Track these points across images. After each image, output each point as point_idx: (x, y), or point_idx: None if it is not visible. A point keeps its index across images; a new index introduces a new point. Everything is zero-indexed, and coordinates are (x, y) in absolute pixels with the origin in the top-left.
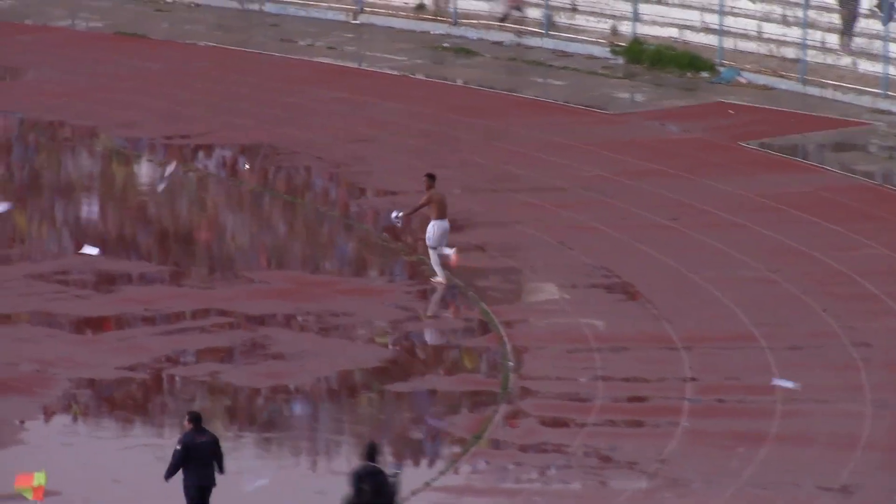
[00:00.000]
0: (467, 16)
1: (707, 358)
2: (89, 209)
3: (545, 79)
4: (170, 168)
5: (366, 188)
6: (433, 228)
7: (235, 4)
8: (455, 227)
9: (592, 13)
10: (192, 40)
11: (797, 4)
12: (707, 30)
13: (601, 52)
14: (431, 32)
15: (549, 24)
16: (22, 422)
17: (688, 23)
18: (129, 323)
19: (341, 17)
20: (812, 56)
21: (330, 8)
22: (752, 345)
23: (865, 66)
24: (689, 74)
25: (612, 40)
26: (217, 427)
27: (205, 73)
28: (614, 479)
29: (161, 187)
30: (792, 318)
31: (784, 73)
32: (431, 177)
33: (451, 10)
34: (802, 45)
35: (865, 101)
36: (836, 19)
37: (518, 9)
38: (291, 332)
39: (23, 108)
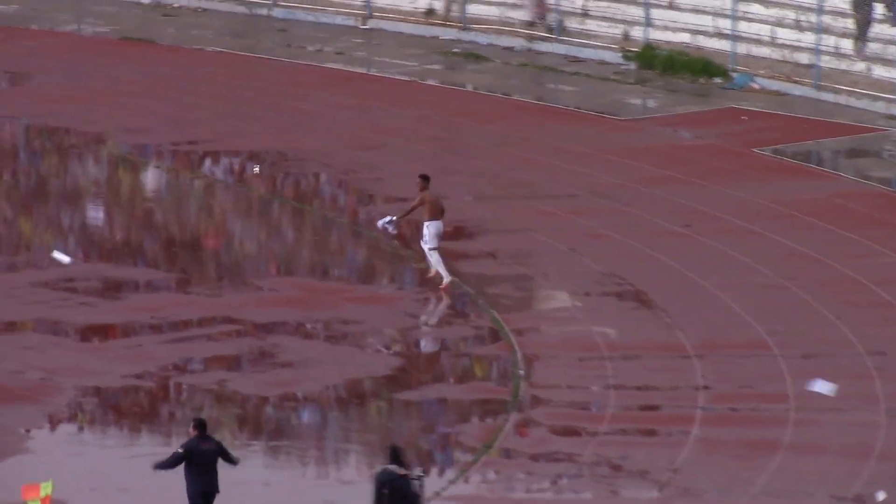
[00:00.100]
0: (477, 21)
1: (720, 366)
2: (96, 216)
3: (556, 84)
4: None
5: (375, 195)
6: (427, 229)
7: (243, 9)
8: (466, 235)
9: (604, 18)
10: (200, 46)
11: (811, 9)
12: (720, 35)
13: (613, 57)
14: (441, 37)
15: (560, 29)
16: (27, 430)
17: (700, 28)
18: (136, 331)
19: (350, 22)
20: (826, 61)
21: (339, 13)
22: (765, 353)
23: (880, 71)
24: (701, 80)
25: (623, 45)
26: (224, 435)
27: (212, 78)
28: (626, 488)
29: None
30: (805, 326)
31: (798, 79)
32: (425, 178)
33: (461, 15)
34: (816, 51)
35: (880, 106)
36: (850, 24)
37: (542, 17)
38: (300, 339)
39: (28, 113)
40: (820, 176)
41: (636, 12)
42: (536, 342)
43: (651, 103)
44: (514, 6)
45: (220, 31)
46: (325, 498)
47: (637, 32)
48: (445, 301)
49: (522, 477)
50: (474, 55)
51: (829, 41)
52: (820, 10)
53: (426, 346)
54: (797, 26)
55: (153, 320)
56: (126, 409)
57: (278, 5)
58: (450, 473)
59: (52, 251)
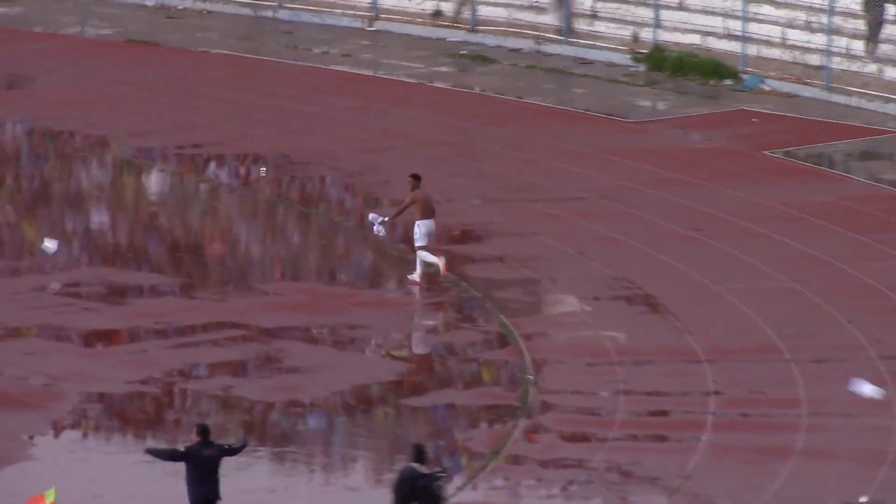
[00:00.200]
0: (485, 22)
1: (731, 371)
2: (100, 220)
3: (565, 87)
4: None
5: (381, 198)
6: (419, 228)
7: (248, 11)
8: (473, 238)
9: (613, 19)
10: (204, 48)
11: (822, 10)
12: (730, 36)
13: (622, 59)
14: (448, 39)
15: (569, 31)
16: (31, 437)
17: (710, 29)
18: (141, 336)
19: (357, 23)
20: (837, 63)
21: (345, 15)
22: (776, 357)
23: (891, 72)
24: (711, 82)
25: (633, 47)
26: (230, 442)
27: (217, 81)
28: (636, 494)
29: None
30: (817, 331)
31: (808, 81)
32: (416, 177)
33: (469, 16)
34: (827, 52)
35: (892, 108)
36: (861, 25)
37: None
38: (306, 345)
39: (32, 117)
40: (831, 178)
41: (645, 13)
42: (545, 347)
43: (661, 105)
44: (523, 8)
45: (225, 34)
46: None
47: (646, 34)
48: (416, 288)
49: (532, 483)
50: (482, 57)
51: (841, 42)
52: (831, 12)
53: (434, 350)
54: (808, 27)
55: (158, 326)
56: (130, 415)
57: (284, 7)
58: (458, 480)
59: (43, 245)
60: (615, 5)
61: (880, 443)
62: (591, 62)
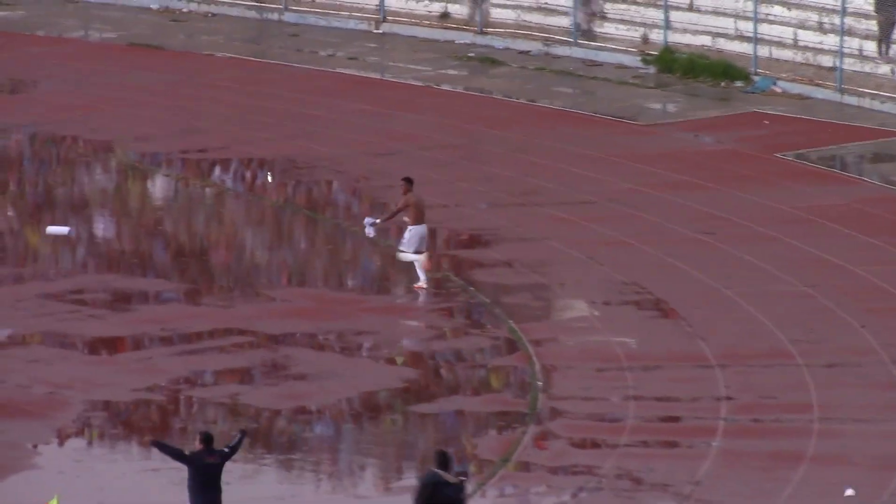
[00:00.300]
0: (493, 24)
1: (742, 376)
2: (104, 226)
3: (574, 89)
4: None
5: (389, 203)
6: (410, 233)
7: (254, 14)
8: (481, 243)
9: (622, 21)
10: (210, 51)
11: (834, 11)
12: (741, 38)
13: (632, 61)
14: (456, 42)
15: (578, 33)
16: (35, 446)
17: (721, 30)
18: (146, 343)
19: (363, 26)
20: (849, 64)
21: (351, 17)
22: (788, 362)
23: None
24: (722, 84)
25: (642, 49)
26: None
27: (222, 85)
28: (647, 501)
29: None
30: (829, 335)
31: (820, 82)
32: (409, 181)
33: (479, 18)
34: (839, 53)
35: None
36: (873, 26)
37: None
38: (313, 351)
39: (35, 121)
40: (843, 181)
41: (655, 15)
42: (554, 352)
43: (671, 108)
44: (532, 10)
45: (231, 37)
46: None
47: (656, 35)
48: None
49: (541, 491)
50: (490, 59)
51: (853, 43)
52: (843, 12)
53: (442, 357)
54: (820, 28)
55: (163, 332)
56: (136, 423)
57: (290, 10)
58: (467, 488)
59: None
60: (625, 6)
61: (894, 448)
62: (600, 64)
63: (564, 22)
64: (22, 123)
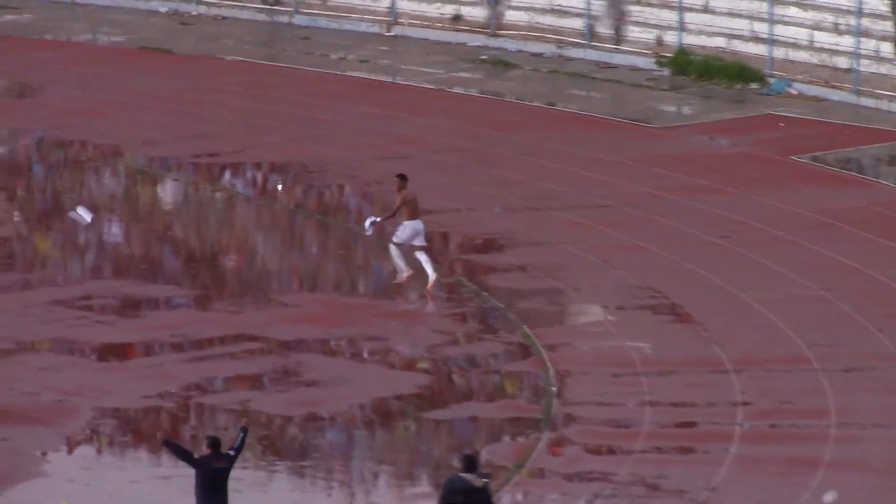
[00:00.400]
0: (506, 27)
1: (759, 381)
2: (113, 231)
3: (587, 92)
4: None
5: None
6: (405, 228)
7: (264, 17)
8: (495, 247)
9: (636, 23)
10: (219, 55)
11: (850, 12)
12: (756, 39)
13: (646, 63)
14: (468, 44)
15: (591, 35)
16: (44, 453)
17: (736, 32)
18: (156, 350)
19: (374, 29)
20: (865, 66)
21: (363, 20)
22: (805, 367)
23: None
24: (737, 86)
25: (657, 51)
26: (247, 457)
27: (232, 88)
28: None
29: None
30: (847, 339)
31: (836, 84)
32: (403, 177)
33: (491, 20)
34: (855, 55)
35: None
36: (889, 27)
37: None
38: (325, 357)
39: (43, 126)
40: (860, 184)
41: (670, 16)
42: (569, 358)
43: (685, 110)
44: (545, 11)
45: (241, 40)
46: None
47: (671, 37)
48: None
49: (556, 497)
50: (503, 62)
51: (869, 45)
52: (859, 13)
53: (456, 362)
54: (836, 30)
55: (173, 339)
56: (146, 430)
57: (300, 12)
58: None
59: (73, 212)
60: (639, 8)
61: None
62: (614, 66)
63: (578, 24)
64: (29, 128)
